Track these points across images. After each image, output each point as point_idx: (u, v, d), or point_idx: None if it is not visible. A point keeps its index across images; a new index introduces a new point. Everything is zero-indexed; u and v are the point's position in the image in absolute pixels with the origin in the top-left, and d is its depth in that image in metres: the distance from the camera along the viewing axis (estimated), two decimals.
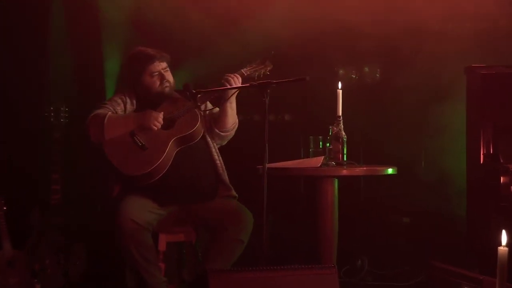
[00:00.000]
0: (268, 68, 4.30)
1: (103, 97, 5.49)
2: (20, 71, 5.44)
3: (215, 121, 4.37)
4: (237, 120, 4.40)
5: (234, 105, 4.33)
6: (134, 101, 4.35)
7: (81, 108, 5.11)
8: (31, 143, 5.40)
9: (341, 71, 5.81)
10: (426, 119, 5.60)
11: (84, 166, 5.51)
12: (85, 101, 5.40)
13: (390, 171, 4.36)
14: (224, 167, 4.38)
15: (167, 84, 4.30)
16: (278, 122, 5.91)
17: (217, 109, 4.39)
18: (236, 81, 4.20)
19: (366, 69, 5.85)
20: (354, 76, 5.83)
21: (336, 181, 4.39)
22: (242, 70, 4.29)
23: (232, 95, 4.27)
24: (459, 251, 5.04)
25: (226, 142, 4.46)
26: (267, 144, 3.75)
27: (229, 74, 4.24)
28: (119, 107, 4.29)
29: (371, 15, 5.44)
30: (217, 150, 4.39)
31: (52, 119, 5.03)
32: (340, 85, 4.43)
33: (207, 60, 5.51)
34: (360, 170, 4.44)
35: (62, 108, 5.05)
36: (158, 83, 4.28)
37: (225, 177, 4.37)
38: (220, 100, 4.32)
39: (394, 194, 5.64)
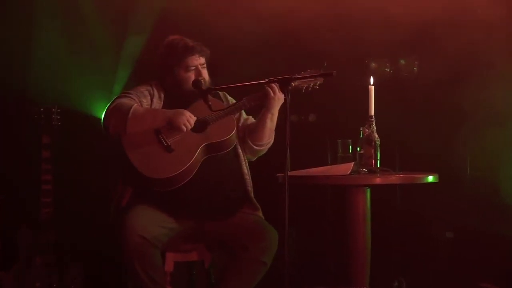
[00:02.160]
0: (318, 82, 4.25)
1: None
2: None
3: (250, 132, 4.34)
4: (273, 136, 4.35)
5: (275, 117, 4.28)
6: (162, 96, 4.31)
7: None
8: (18, 149, 5.39)
9: (373, 64, 5.83)
10: (471, 120, 5.56)
11: (80, 174, 5.49)
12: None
13: (430, 179, 4.32)
14: (252, 184, 4.33)
15: (202, 83, 4.23)
16: (301, 123, 5.99)
17: (251, 118, 4.39)
18: (275, 90, 4.15)
19: (402, 61, 5.86)
20: (388, 70, 5.84)
21: (368, 191, 4.38)
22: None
23: (275, 108, 4.20)
24: (509, 270, 5.03)
25: (255, 158, 4.42)
26: (288, 149, 3.71)
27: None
28: (145, 100, 4.26)
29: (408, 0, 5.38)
30: (248, 165, 4.35)
31: (42, 122, 4.99)
32: (372, 80, 4.43)
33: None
34: (395, 178, 4.39)
35: (53, 110, 5.01)
36: (193, 79, 4.22)
37: (252, 195, 4.32)
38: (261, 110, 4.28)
39: (436, 205, 5.64)
